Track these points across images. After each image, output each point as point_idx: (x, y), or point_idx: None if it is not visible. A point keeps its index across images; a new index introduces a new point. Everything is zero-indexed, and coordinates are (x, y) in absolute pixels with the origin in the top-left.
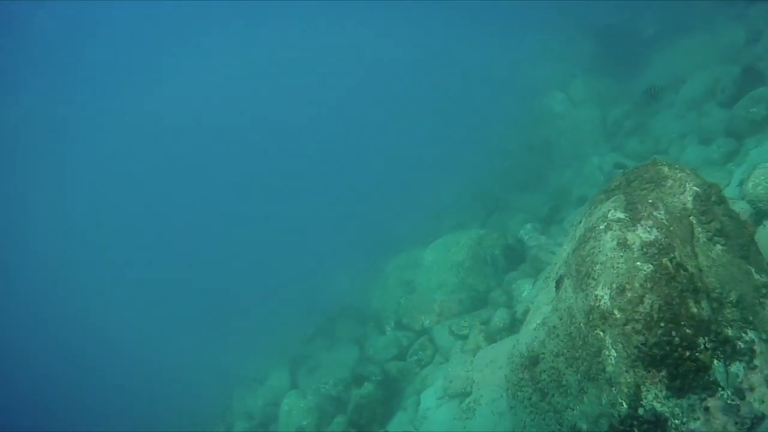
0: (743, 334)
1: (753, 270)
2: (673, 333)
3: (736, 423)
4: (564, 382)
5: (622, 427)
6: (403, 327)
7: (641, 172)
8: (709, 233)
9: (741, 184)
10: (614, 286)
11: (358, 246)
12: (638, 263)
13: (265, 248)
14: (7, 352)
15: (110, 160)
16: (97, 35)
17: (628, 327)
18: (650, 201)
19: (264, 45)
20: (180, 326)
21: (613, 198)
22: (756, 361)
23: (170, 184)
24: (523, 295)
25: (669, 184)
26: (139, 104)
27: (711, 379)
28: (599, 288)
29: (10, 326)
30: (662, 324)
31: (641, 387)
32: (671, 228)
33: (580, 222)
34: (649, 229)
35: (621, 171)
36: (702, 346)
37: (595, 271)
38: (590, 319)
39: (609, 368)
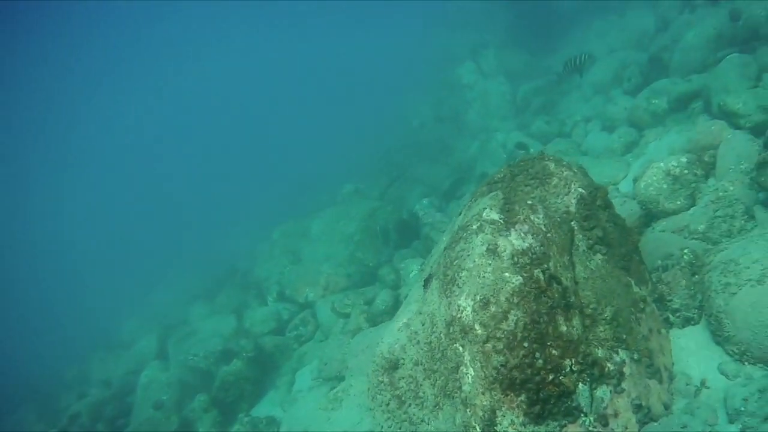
0: (614, 355)
1: (633, 282)
2: (537, 355)
3: None
4: (421, 394)
5: None
6: (286, 299)
7: (527, 165)
8: (590, 241)
9: (635, 180)
10: (478, 297)
11: (266, 208)
12: (506, 274)
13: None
14: None
15: None
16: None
17: (489, 345)
18: (529, 203)
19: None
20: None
21: (492, 194)
22: (624, 384)
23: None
24: (411, 275)
25: (554, 183)
26: None
27: (574, 404)
28: (463, 298)
29: None
30: (526, 344)
31: (497, 412)
32: (549, 234)
33: (460, 214)
34: (523, 235)
35: (522, 152)
36: (567, 369)
37: (460, 278)
38: (450, 330)
39: (465, 387)
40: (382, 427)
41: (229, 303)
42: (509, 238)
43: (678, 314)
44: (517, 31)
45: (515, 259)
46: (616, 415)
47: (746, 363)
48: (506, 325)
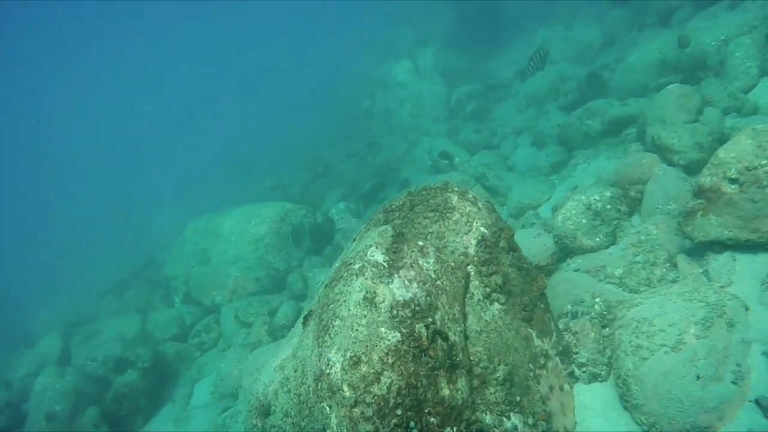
0: (505, 420)
1: (534, 335)
2: (412, 424)
3: None
4: None
5: None
6: (192, 301)
7: (429, 195)
8: (488, 289)
9: (554, 209)
10: (348, 354)
11: (202, 196)
12: (382, 329)
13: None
14: None
15: None
16: None
17: (357, 410)
18: (420, 243)
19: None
20: None
21: (383, 229)
22: None
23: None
24: (317, 284)
25: (455, 218)
26: None
27: None
28: (333, 351)
29: None
30: (399, 412)
31: None
32: (438, 282)
33: (354, 241)
34: (408, 283)
35: (446, 162)
36: None
37: (333, 327)
38: (318, 386)
39: None
40: None
41: (137, 300)
42: (390, 286)
43: (584, 369)
44: (461, 32)
45: (394, 311)
46: None
47: None
48: (377, 388)
